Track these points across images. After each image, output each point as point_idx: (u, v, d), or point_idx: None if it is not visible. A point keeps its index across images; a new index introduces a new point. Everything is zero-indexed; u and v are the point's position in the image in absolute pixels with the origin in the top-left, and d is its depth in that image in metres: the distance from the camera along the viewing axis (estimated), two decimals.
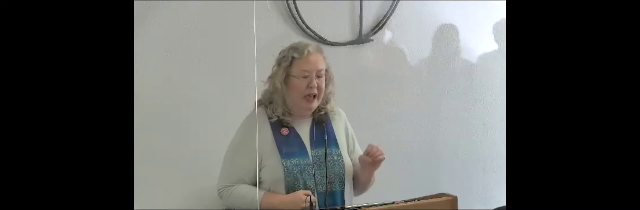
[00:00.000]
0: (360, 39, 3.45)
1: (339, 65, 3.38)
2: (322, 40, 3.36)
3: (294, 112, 2.63)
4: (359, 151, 2.72)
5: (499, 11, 3.58)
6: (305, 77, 2.57)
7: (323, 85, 2.60)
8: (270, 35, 3.17)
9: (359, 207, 2.37)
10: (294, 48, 2.61)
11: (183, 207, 3.15)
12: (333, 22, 3.41)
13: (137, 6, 2.82)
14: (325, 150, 2.57)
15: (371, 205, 2.37)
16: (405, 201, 2.42)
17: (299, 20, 3.32)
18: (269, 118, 2.61)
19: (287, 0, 3.29)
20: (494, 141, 3.73)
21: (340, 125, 2.70)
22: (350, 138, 2.74)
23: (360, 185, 2.70)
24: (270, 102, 2.63)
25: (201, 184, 3.07)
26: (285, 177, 2.54)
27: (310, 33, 3.33)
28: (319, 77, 2.59)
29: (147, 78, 3.01)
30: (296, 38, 3.22)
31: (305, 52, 2.57)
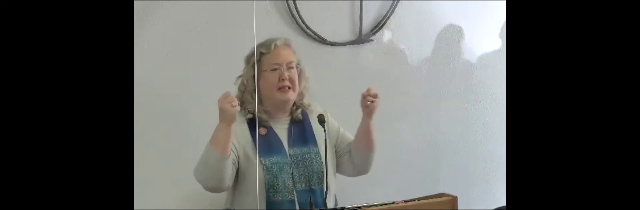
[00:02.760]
0: (360, 39, 3.45)
1: (339, 65, 3.40)
2: (322, 40, 3.36)
3: (271, 109, 2.64)
4: (347, 135, 2.74)
5: (499, 11, 3.58)
6: (275, 70, 2.60)
7: (295, 77, 2.63)
8: (270, 35, 3.17)
9: (359, 207, 2.37)
10: (261, 44, 2.65)
11: (183, 207, 3.15)
12: (333, 22, 3.41)
13: (137, 6, 2.82)
14: (322, 149, 2.58)
15: (371, 205, 2.37)
16: (405, 201, 2.42)
17: (299, 20, 3.32)
18: (246, 117, 2.63)
19: (287, 0, 3.29)
20: (494, 141, 3.73)
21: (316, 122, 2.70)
22: (332, 129, 2.73)
23: (359, 144, 2.68)
24: (243, 102, 2.64)
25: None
26: (265, 175, 2.56)
27: (310, 33, 3.33)
28: (289, 68, 2.62)
29: (147, 78, 3.00)
30: (296, 38, 3.22)
31: (273, 46, 2.63)
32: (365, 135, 2.67)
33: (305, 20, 3.32)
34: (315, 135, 2.68)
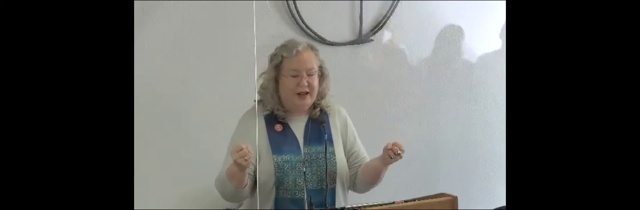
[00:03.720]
0: (360, 39, 3.45)
1: (339, 65, 3.40)
2: (322, 40, 3.36)
3: (289, 109, 2.63)
4: (362, 151, 2.72)
5: (499, 11, 3.58)
6: (295, 76, 2.57)
7: (315, 83, 2.60)
8: (270, 35, 3.17)
9: (359, 207, 2.37)
10: (284, 46, 2.62)
11: (182, 207, 3.15)
12: (333, 22, 3.41)
13: (137, 6, 2.82)
14: (326, 148, 2.57)
15: (371, 205, 2.37)
16: (405, 201, 2.41)
17: (299, 20, 3.32)
18: (263, 113, 2.62)
19: (287, 0, 3.29)
20: (494, 141, 3.73)
21: (336, 123, 2.70)
22: (350, 136, 2.72)
23: (366, 177, 2.67)
24: (261, 100, 2.64)
25: (201, 184, 3.07)
26: (275, 173, 2.55)
27: (310, 33, 3.33)
28: (309, 75, 2.58)
29: (147, 78, 3.01)
30: (296, 38, 3.22)
31: (294, 52, 2.57)
32: (374, 173, 2.64)
33: (305, 20, 3.32)
34: (333, 134, 2.67)
